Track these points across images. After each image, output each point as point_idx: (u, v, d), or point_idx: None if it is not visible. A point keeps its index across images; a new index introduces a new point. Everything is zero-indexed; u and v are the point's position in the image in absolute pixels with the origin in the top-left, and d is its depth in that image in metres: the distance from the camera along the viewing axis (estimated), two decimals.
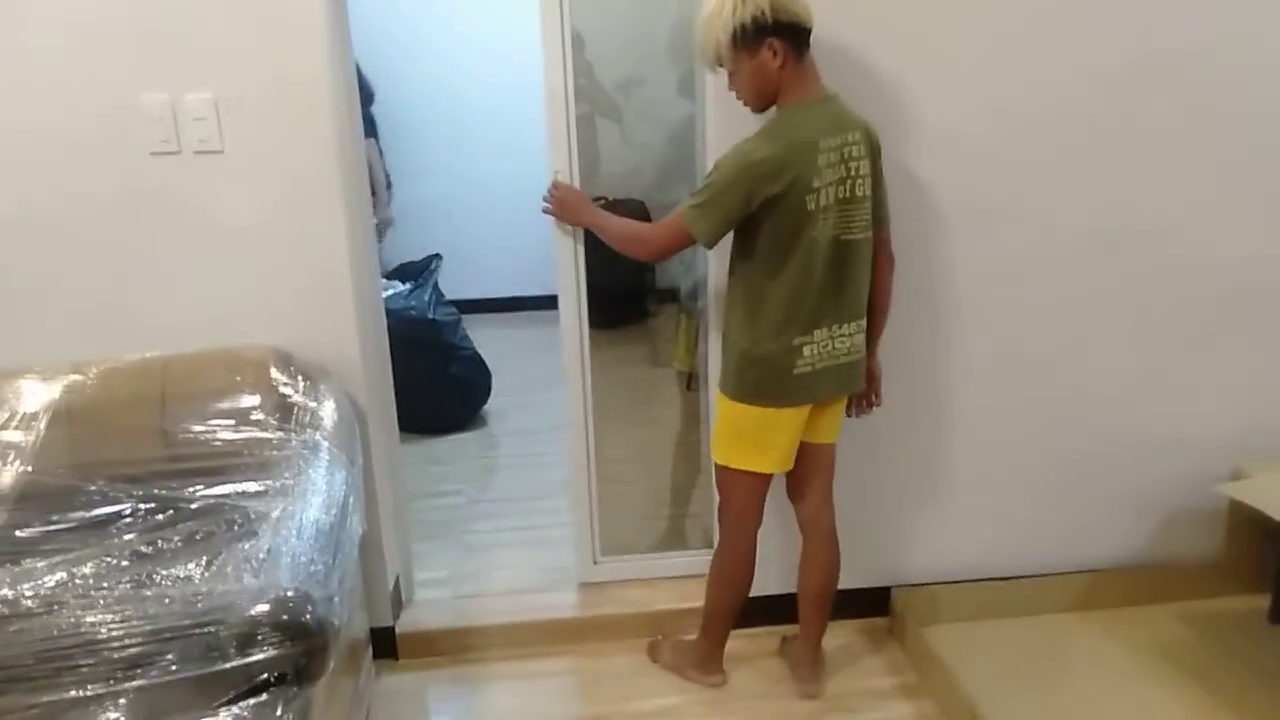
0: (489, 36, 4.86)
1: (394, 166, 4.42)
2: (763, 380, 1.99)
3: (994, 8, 2.17)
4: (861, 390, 2.13)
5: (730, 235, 1.95)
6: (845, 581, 2.28)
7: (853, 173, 1.89)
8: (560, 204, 2.28)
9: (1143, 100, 2.27)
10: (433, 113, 4.96)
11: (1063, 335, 2.43)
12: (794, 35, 1.84)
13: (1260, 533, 2.54)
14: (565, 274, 2.45)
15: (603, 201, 4.93)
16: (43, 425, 1.99)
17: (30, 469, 1.92)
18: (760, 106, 1.94)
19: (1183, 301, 2.44)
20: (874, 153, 1.95)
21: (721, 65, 1.91)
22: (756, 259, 1.93)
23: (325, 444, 1.98)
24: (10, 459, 1.93)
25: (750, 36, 1.82)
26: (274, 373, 2.09)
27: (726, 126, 2.10)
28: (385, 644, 2.44)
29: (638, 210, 4.98)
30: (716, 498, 2.22)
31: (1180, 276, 2.42)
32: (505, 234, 4.99)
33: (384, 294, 2.76)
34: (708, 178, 1.90)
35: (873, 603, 2.55)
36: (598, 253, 5.05)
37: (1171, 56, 2.26)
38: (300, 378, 2.10)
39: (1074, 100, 2.25)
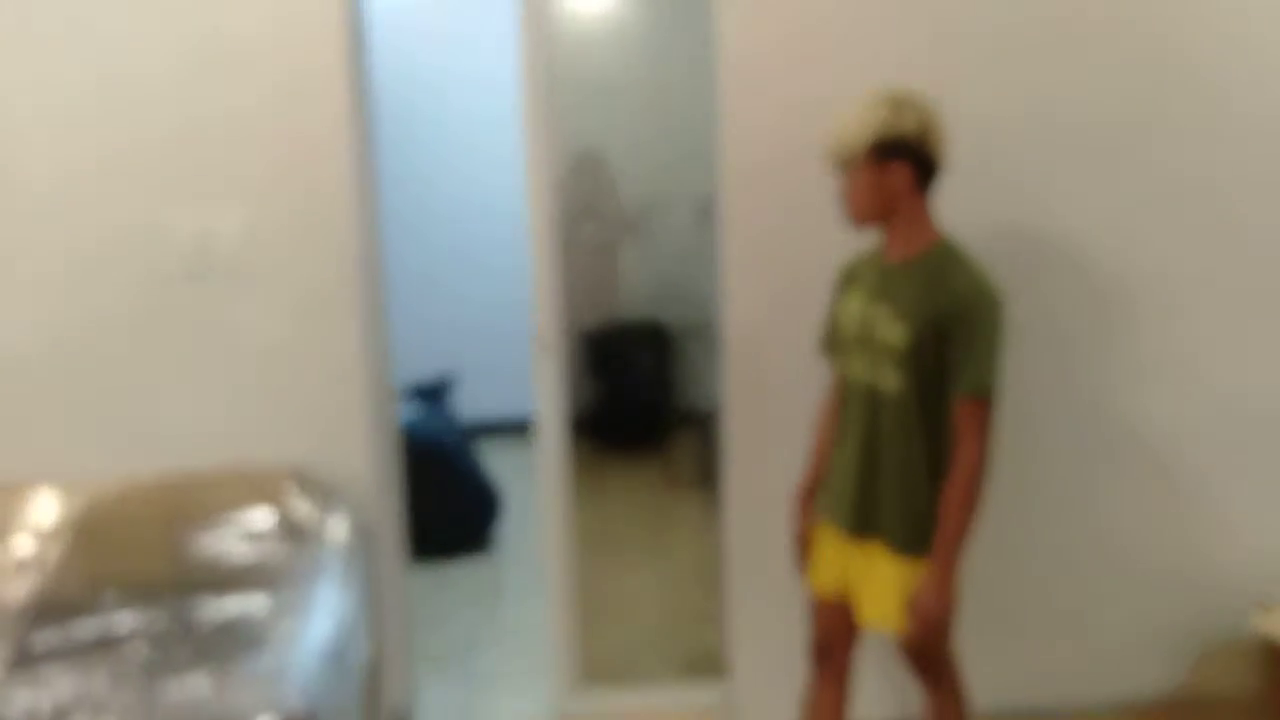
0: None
1: (410, 284, 4.45)
2: None
3: None
4: None
5: (902, 377, 1.79)
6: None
7: None
8: (928, 625, 1.81)
9: None
10: (449, 231, 5.08)
11: (1084, 465, 2.42)
12: (927, 171, 1.79)
13: None
14: (546, 399, 2.46)
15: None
16: (59, 539, 2.02)
17: (45, 582, 1.94)
18: (861, 222, 1.86)
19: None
20: None
21: (844, 165, 1.82)
22: (945, 394, 1.79)
23: (333, 563, 1.99)
24: (26, 572, 1.95)
25: (889, 150, 1.76)
26: (287, 490, 2.12)
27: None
28: None
29: (653, 332, 5.00)
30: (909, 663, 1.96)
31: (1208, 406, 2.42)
32: (523, 355, 5.00)
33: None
34: (977, 336, 1.74)
35: None
36: (608, 369, 5.03)
37: None
38: (313, 495, 2.13)
39: None
